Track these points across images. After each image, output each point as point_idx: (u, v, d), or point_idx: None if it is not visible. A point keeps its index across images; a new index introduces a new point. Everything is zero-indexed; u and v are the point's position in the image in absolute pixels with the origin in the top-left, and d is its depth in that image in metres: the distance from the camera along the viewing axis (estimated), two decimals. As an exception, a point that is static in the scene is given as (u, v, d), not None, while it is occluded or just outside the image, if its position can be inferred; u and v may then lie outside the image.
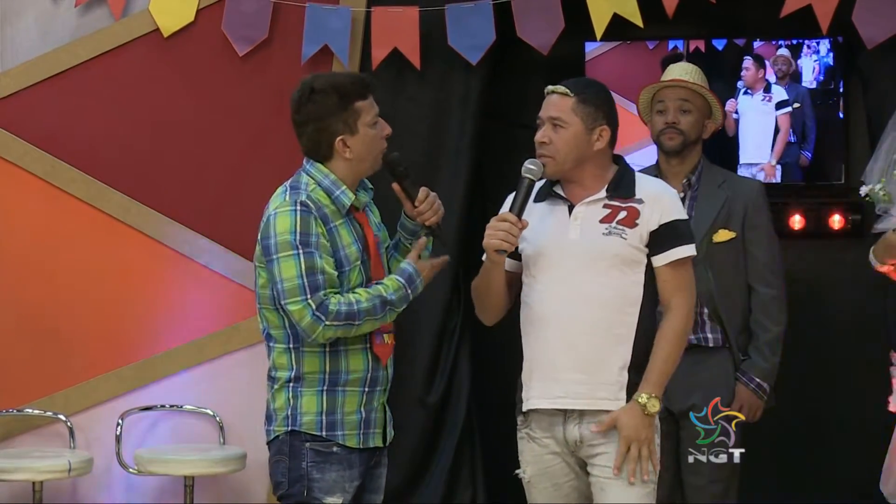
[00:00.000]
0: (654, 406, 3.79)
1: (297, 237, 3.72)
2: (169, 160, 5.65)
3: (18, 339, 5.64)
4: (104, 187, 5.64)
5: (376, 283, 3.83)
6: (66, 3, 5.67)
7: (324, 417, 3.82)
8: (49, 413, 5.62)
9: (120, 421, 5.56)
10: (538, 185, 3.95)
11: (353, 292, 3.77)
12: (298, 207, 3.74)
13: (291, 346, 3.84)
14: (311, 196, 3.77)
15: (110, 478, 5.64)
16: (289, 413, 3.84)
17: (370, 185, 3.98)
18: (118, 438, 5.54)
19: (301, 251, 3.71)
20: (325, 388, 3.82)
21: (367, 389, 3.86)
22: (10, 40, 5.69)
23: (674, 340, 3.84)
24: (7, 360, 5.62)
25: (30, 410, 5.62)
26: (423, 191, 3.86)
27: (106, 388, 5.64)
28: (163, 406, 5.68)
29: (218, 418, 5.65)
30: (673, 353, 3.85)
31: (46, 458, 5.39)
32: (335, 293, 3.74)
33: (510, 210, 3.83)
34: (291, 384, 3.84)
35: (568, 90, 3.88)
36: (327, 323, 3.70)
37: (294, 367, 3.83)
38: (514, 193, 3.96)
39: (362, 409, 3.85)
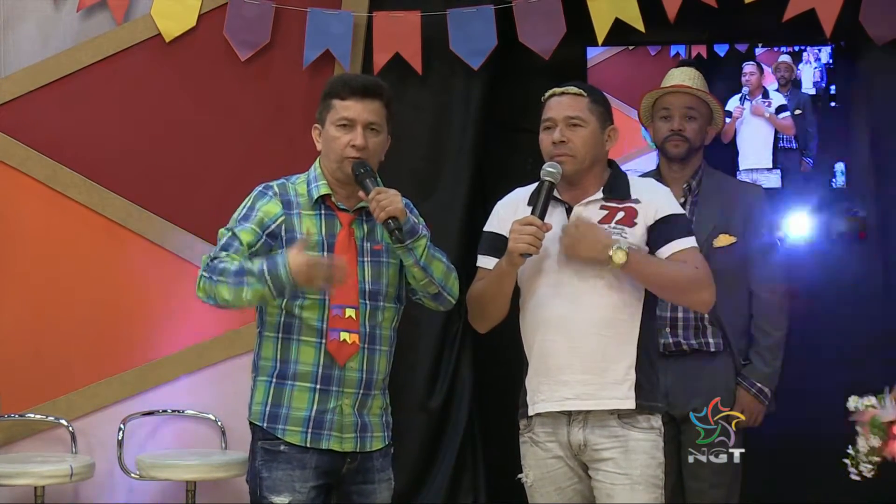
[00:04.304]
0: (620, 258, 3.73)
1: (242, 212, 3.86)
2: (171, 164, 5.65)
3: (20, 344, 5.63)
4: (106, 192, 5.64)
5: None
6: (68, 7, 5.68)
7: (268, 409, 3.86)
8: (51, 418, 5.62)
9: (122, 426, 5.56)
10: (532, 188, 3.96)
11: (236, 256, 3.78)
12: (259, 189, 3.89)
13: (258, 330, 3.92)
14: (286, 184, 3.89)
15: (112, 482, 5.63)
16: (249, 401, 3.93)
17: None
18: (120, 443, 5.54)
19: (236, 222, 3.85)
20: (274, 378, 3.85)
21: (319, 387, 3.82)
22: (11, 45, 5.68)
23: (676, 269, 3.81)
24: (9, 364, 5.61)
25: (32, 415, 5.62)
26: (374, 189, 3.78)
27: (108, 393, 5.64)
28: (164, 411, 5.68)
29: (220, 423, 5.65)
30: (668, 270, 3.82)
31: (48, 462, 5.38)
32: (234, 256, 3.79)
33: (531, 213, 3.81)
34: (254, 372, 3.93)
35: (581, 90, 3.91)
36: (203, 273, 3.78)
37: (257, 352, 3.92)
38: (501, 202, 4.00)
39: (313, 407, 3.82)
